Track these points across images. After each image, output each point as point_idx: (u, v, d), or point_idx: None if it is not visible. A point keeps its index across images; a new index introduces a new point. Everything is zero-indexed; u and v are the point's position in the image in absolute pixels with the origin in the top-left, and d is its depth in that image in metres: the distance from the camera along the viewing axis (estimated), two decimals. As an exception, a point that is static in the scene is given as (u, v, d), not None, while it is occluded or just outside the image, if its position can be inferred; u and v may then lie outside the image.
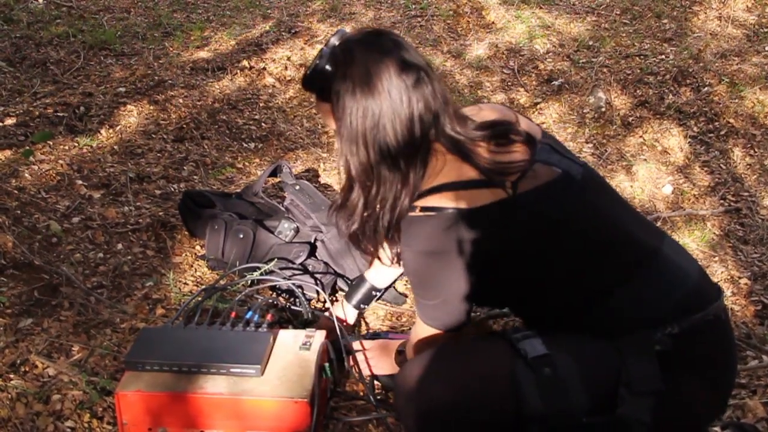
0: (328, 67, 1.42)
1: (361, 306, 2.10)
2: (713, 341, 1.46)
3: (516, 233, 1.41)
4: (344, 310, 2.11)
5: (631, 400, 1.38)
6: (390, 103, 1.37)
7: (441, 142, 1.44)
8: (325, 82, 1.42)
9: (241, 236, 2.38)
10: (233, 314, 1.90)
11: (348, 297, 2.11)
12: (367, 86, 1.37)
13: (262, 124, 3.56)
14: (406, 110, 1.38)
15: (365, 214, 1.48)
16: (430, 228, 1.41)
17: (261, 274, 2.25)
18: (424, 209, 1.42)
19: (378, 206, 1.45)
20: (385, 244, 1.58)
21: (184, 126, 3.33)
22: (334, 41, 1.43)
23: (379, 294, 2.11)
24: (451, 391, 1.40)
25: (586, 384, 1.40)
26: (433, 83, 1.42)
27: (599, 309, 1.45)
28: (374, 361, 1.91)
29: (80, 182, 2.80)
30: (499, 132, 1.47)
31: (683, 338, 1.40)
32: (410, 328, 2.07)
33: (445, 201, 1.41)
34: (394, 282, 2.20)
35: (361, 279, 2.10)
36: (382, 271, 2.06)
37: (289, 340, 1.81)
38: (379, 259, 1.62)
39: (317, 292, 2.24)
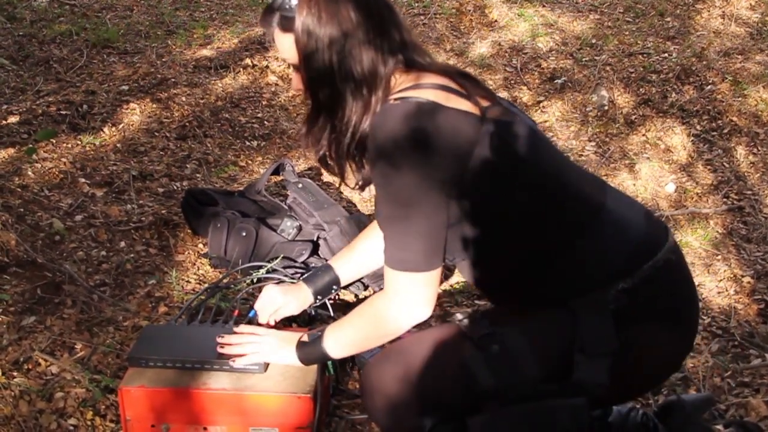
0: None
1: (318, 297, 1.93)
2: (667, 287, 1.47)
3: (479, 154, 1.39)
4: (296, 291, 1.92)
5: (587, 364, 1.39)
6: (355, 30, 1.41)
7: (409, 67, 1.47)
8: (287, 13, 1.44)
9: (244, 234, 2.38)
10: (236, 312, 1.91)
11: (308, 281, 1.93)
12: (334, 15, 1.41)
13: (265, 122, 3.56)
14: (371, 37, 1.42)
15: (332, 139, 1.52)
16: (403, 111, 1.38)
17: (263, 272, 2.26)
18: (399, 98, 1.41)
19: (342, 132, 1.49)
20: (351, 169, 1.59)
21: (187, 124, 3.33)
22: None
23: (336, 290, 1.96)
24: (410, 387, 1.43)
25: (536, 354, 1.41)
26: (398, 15, 1.48)
27: (551, 270, 1.45)
28: (274, 348, 1.73)
29: (83, 180, 2.80)
30: (462, 73, 1.52)
31: (636, 290, 1.41)
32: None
33: (421, 93, 1.40)
34: (359, 279, 2.13)
35: (327, 267, 1.95)
36: (355, 260, 1.94)
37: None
38: (345, 183, 1.62)
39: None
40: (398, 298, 1.47)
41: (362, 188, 1.61)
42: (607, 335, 1.39)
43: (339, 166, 1.57)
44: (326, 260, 2.35)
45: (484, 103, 1.43)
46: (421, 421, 1.44)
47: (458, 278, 2.46)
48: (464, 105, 1.40)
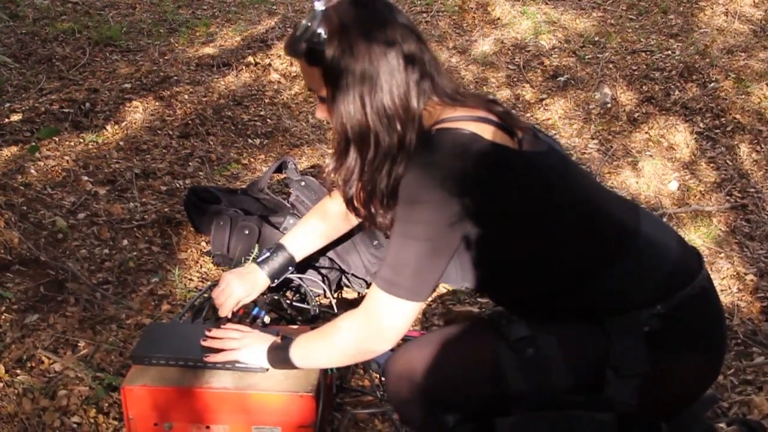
0: (320, 30, 1.39)
1: (276, 279, 1.94)
2: (701, 314, 1.47)
3: (515, 187, 1.38)
4: (252, 277, 1.93)
5: (617, 382, 1.39)
6: (387, 64, 1.37)
7: (443, 100, 1.44)
8: (316, 46, 1.39)
9: (247, 232, 2.38)
10: (241, 311, 1.91)
11: (261, 264, 1.94)
12: (364, 48, 1.37)
13: (268, 120, 3.56)
14: (402, 71, 1.38)
15: (363, 178, 1.47)
16: (443, 141, 1.36)
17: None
18: (439, 129, 1.38)
19: (375, 170, 1.44)
20: (380, 210, 1.53)
21: (190, 122, 3.33)
22: (321, 6, 1.40)
23: (292, 269, 1.96)
24: (439, 380, 1.42)
25: (569, 364, 1.41)
26: (427, 47, 1.44)
27: (584, 292, 1.45)
28: (248, 346, 1.69)
29: (86, 178, 2.81)
30: (492, 100, 1.49)
31: (671, 316, 1.41)
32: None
33: (463, 125, 1.37)
34: (313, 259, 2.14)
35: (279, 247, 1.95)
36: (308, 235, 1.93)
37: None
38: (375, 224, 1.57)
39: (323, 288, 2.24)
40: (371, 321, 1.45)
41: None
42: (640, 357, 1.39)
43: (367, 208, 1.52)
44: (329, 258, 2.36)
45: (519, 134, 1.41)
46: (444, 416, 1.44)
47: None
48: (502, 139, 1.38)
